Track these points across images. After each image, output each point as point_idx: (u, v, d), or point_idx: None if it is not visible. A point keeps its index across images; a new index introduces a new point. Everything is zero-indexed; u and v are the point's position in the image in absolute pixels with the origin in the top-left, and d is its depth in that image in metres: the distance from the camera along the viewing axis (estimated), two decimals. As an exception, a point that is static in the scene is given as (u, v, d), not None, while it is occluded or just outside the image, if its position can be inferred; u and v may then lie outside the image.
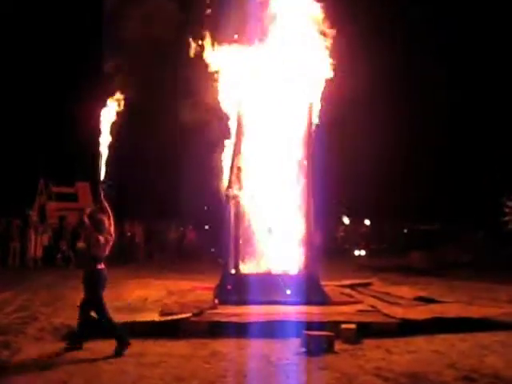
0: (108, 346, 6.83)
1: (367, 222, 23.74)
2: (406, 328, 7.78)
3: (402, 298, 9.65)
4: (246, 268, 9.42)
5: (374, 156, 21.43)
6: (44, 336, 7.60)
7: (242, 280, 9.12)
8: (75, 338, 6.96)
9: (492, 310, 8.84)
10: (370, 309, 8.75)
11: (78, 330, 6.95)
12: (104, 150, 7.35)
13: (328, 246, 20.80)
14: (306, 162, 9.59)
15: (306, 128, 9.62)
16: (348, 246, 22.37)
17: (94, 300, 6.82)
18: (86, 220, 6.98)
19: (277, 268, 9.46)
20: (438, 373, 6.05)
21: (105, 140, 7.35)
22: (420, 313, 8.45)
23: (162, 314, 8.01)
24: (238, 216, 9.38)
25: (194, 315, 7.94)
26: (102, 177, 7.35)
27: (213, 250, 17.84)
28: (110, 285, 10.66)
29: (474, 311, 8.65)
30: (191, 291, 10.06)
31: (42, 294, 10.93)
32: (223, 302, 8.75)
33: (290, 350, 6.79)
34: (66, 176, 21.54)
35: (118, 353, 6.59)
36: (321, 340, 6.81)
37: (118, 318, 7.69)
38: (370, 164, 21.59)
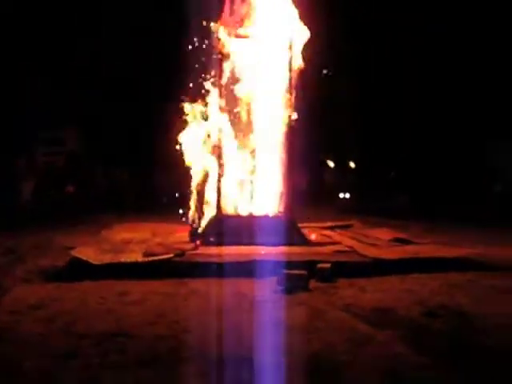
0: (95, 285, 7.18)
1: (352, 164, 23.91)
2: (380, 267, 8.10)
3: (379, 240, 9.96)
4: (227, 210, 9.68)
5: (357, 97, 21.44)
6: (32, 277, 7.90)
7: (222, 222, 9.42)
8: None
9: (464, 251, 9.18)
10: (346, 249, 9.08)
11: None
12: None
13: (313, 189, 21.15)
14: (286, 98, 9.73)
15: (288, 68, 9.74)
16: (333, 188, 22.62)
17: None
18: None
19: (257, 210, 9.74)
20: (405, 308, 6.36)
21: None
22: (395, 253, 8.78)
23: (145, 254, 8.30)
24: (220, 161, 9.60)
25: (176, 256, 8.24)
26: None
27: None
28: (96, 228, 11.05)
29: (447, 251, 9.00)
30: (174, 233, 10.31)
31: (29, 237, 11.19)
32: (205, 244, 9.09)
33: (266, 287, 7.10)
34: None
35: None
36: (296, 278, 7.13)
37: (104, 258, 8.05)
38: (353, 105, 21.57)
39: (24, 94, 18.58)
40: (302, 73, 9.97)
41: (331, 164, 24.03)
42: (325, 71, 10.23)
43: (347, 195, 22.04)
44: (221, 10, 9.71)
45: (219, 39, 9.56)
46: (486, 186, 19.69)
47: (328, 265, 7.79)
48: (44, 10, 17.69)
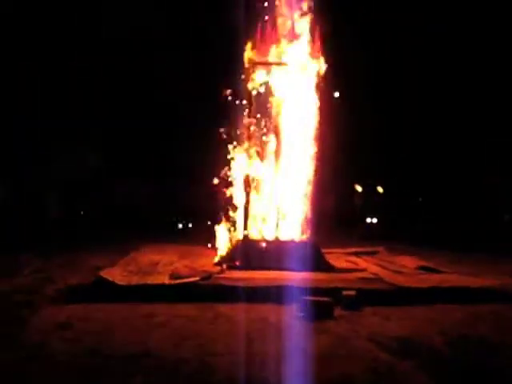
0: (121, 307, 7.32)
1: (380, 189, 23.83)
2: (405, 296, 8.12)
3: (405, 267, 9.96)
4: (254, 235, 9.79)
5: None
6: (60, 297, 8.05)
7: (249, 246, 9.53)
8: None
9: (489, 281, 9.13)
10: (372, 276, 9.10)
11: None
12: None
13: (342, 214, 21.13)
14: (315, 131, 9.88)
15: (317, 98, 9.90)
16: (361, 213, 22.56)
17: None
18: None
19: (283, 235, 9.83)
20: (428, 338, 6.39)
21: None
22: (420, 282, 8.79)
23: (172, 277, 8.41)
24: (246, 187, 9.75)
25: (202, 279, 8.35)
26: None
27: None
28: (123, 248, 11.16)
29: (472, 281, 8.96)
30: (201, 255, 10.43)
31: (58, 256, 11.34)
32: (231, 268, 9.20)
33: (290, 314, 7.16)
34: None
35: None
36: (320, 305, 7.17)
37: (131, 280, 8.19)
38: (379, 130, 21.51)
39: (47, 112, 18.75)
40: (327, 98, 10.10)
41: (359, 189, 24.00)
42: (337, 94, 10.25)
43: (374, 220, 21.99)
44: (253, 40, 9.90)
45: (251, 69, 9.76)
46: (498, 215, 19.60)
47: (353, 292, 7.82)
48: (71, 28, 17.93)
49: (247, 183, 9.77)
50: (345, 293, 7.81)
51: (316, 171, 9.81)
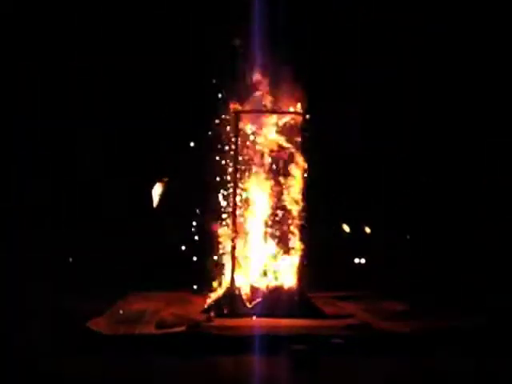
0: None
1: (367, 229, 23.83)
2: (394, 342, 8.10)
3: (394, 312, 9.96)
4: (241, 282, 9.77)
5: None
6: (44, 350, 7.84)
7: (236, 294, 9.51)
8: None
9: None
10: (359, 323, 9.06)
11: None
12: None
13: (328, 255, 21.09)
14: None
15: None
16: (349, 254, 22.49)
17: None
18: None
19: (271, 282, 9.82)
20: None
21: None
22: (408, 326, 8.76)
23: (158, 326, 8.36)
24: (233, 233, 9.78)
25: (189, 328, 8.29)
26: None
27: None
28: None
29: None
30: (189, 302, 10.37)
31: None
32: (218, 315, 9.16)
33: (277, 364, 7.12)
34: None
35: None
36: (307, 354, 7.12)
37: (117, 330, 8.13)
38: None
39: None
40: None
41: (347, 229, 24.01)
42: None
43: (362, 260, 21.95)
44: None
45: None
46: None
47: (340, 340, 7.79)
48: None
49: (233, 227, 9.78)
50: (332, 341, 7.77)
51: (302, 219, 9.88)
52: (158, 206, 14.21)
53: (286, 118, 10.20)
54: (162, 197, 13.66)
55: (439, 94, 17.64)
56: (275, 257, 10.05)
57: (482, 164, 19.32)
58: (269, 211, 10.13)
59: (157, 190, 15.65)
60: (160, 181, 17.29)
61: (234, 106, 9.95)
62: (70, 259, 17.07)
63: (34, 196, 14.73)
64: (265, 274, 9.89)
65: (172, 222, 15.64)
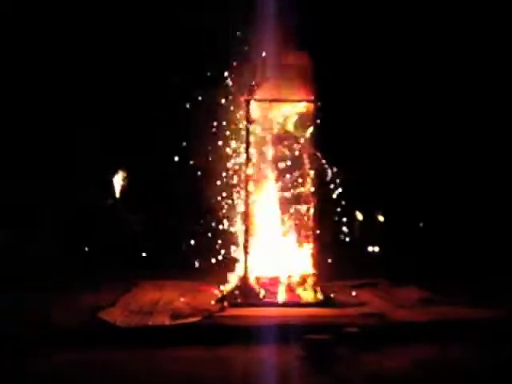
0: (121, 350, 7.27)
1: (381, 217, 23.77)
2: (408, 331, 8.05)
3: (406, 300, 9.91)
4: (254, 271, 9.76)
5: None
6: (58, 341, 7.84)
7: (250, 284, 9.50)
8: None
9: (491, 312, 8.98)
10: (373, 311, 9.04)
11: None
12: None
13: (342, 244, 21.03)
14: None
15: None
16: (362, 242, 22.44)
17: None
18: None
19: (284, 271, 9.80)
20: (430, 377, 6.33)
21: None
22: (422, 315, 8.73)
23: (173, 317, 8.37)
24: (246, 224, 9.76)
25: (204, 318, 8.30)
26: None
27: None
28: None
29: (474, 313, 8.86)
30: (201, 292, 10.39)
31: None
32: (231, 305, 9.17)
33: (291, 353, 7.10)
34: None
35: None
36: (321, 344, 7.09)
37: (131, 321, 8.15)
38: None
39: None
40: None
41: (360, 217, 23.92)
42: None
43: (376, 249, 21.90)
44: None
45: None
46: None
47: (355, 329, 7.74)
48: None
49: (246, 216, 9.77)
50: (346, 330, 7.73)
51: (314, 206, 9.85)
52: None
53: (298, 106, 10.15)
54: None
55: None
56: (289, 246, 10.03)
57: (500, 151, 19.31)
58: (281, 200, 10.12)
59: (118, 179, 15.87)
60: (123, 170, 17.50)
61: (245, 96, 9.88)
62: (86, 248, 17.34)
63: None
64: (278, 263, 9.88)
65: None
